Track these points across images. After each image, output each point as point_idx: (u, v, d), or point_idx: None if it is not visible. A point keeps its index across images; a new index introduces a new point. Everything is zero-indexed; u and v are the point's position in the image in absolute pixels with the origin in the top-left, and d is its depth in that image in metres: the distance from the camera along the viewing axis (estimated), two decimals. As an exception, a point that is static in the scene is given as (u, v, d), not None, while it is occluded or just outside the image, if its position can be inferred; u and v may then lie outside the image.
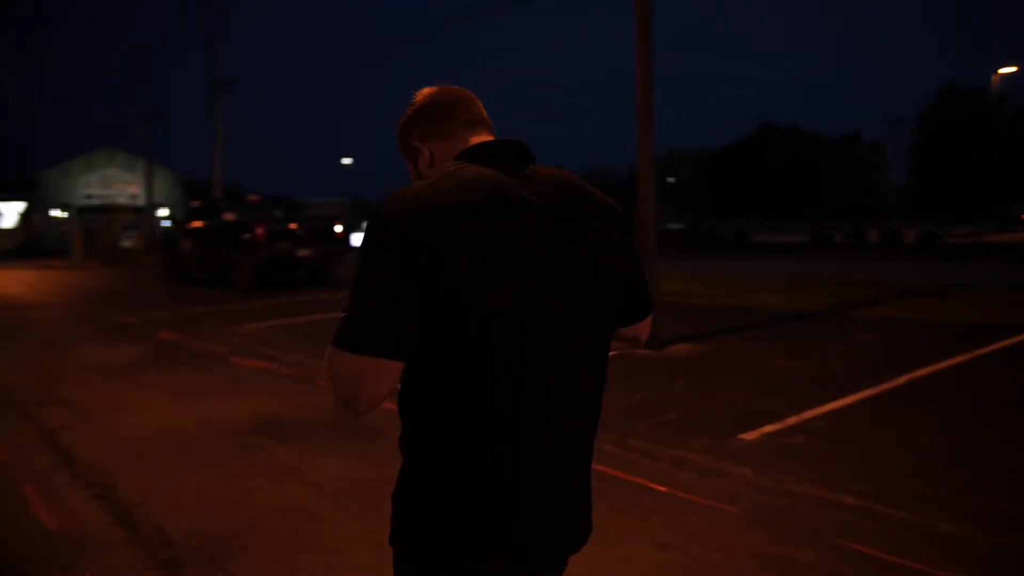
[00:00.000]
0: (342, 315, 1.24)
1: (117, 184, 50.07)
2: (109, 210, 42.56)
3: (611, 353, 1.63)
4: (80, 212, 47.12)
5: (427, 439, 1.30)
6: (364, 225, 1.30)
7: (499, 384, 1.25)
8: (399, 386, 1.31)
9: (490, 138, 1.48)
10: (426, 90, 1.55)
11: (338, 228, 17.46)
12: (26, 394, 7.00)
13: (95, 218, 44.14)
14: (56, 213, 47.28)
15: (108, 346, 9.54)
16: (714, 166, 60.67)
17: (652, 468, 4.60)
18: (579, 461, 1.41)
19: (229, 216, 17.31)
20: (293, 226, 16.56)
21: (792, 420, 5.55)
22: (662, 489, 4.26)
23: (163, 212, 42.62)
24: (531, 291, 1.26)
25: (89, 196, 49.17)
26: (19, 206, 45.89)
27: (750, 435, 5.21)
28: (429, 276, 1.19)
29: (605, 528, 3.68)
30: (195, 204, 20.71)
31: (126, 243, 35.16)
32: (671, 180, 60.90)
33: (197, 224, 18.14)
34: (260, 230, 15.78)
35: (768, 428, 5.36)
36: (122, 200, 47.54)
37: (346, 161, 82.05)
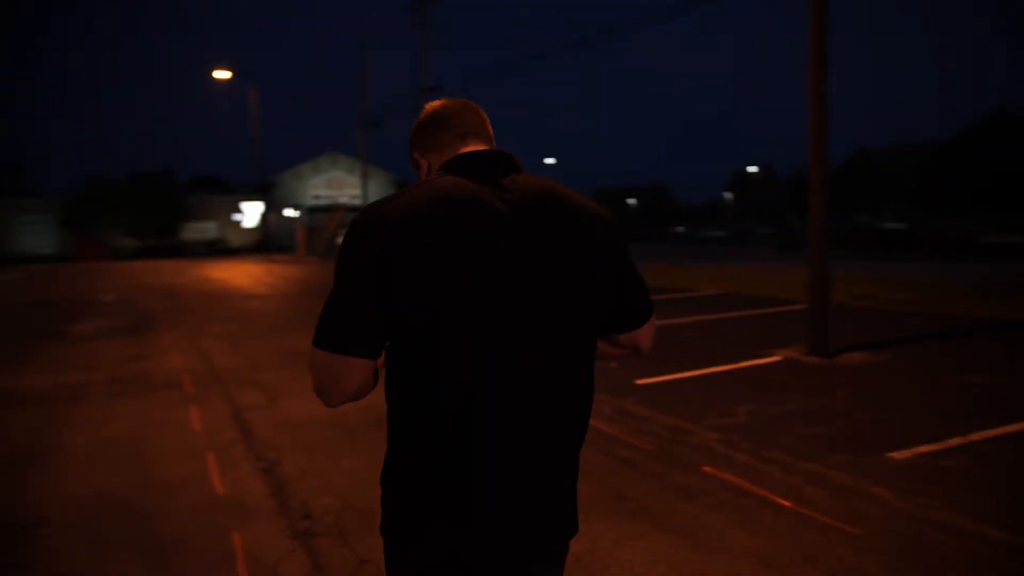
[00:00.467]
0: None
1: (341, 185, 54.68)
2: (332, 209, 46.50)
3: (612, 363, 1.72)
4: (309, 212, 51.96)
5: (395, 428, 1.44)
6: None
7: (453, 382, 1.34)
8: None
9: (473, 148, 1.55)
10: (431, 104, 1.65)
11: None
12: (232, 376, 7.98)
13: (320, 217, 48.51)
14: (289, 213, 52.36)
15: (308, 335, 10.57)
16: (941, 159, 54.94)
17: (782, 482, 4.45)
18: (549, 457, 1.44)
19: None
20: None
21: (955, 441, 5.11)
22: (786, 504, 4.12)
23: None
24: (487, 295, 1.34)
25: (316, 196, 54.08)
26: (259, 206, 51.28)
27: (901, 454, 4.87)
28: (386, 282, 1.32)
29: (712, 539, 3.67)
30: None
31: (340, 239, 38.26)
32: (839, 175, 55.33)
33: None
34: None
35: (924, 448, 4.98)
36: (344, 200, 51.71)
37: (549, 161, 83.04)
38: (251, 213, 51.20)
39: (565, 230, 1.41)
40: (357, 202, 49.33)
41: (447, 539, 1.37)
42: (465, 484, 1.37)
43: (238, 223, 50.62)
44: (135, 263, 36.16)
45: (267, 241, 48.75)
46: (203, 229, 49.40)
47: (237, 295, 17.24)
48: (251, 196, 50.95)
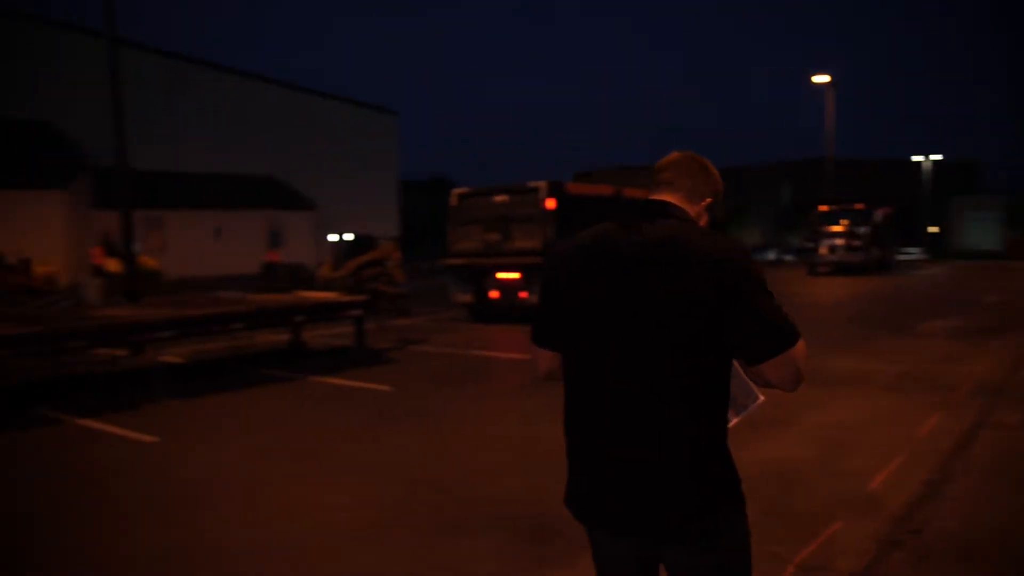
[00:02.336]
0: None
1: None
2: None
3: (758, 400, 1.81)
4: None
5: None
6: None
7: (577, 379, 1.87)
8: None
9: (657, 196, 1.93)
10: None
11: None
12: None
13: None
14: None
15: None
16: None
17: None
18: (654, 450, 1.73)
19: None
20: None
21: None
22: None
23: None
24: (599, 315, 1.79)
25: None
26: None
27: None
28: (549, 298, 1.94)
29: None
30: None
31: None
32: None
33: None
34: None
35: None
36: None
37: None
38: None
39: (671, 270, 1.72)
40: None
41: (574, 486, 1.90)
42: (576, 449, 1.89)
43: None
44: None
45: None
46: None
47: None
48: None
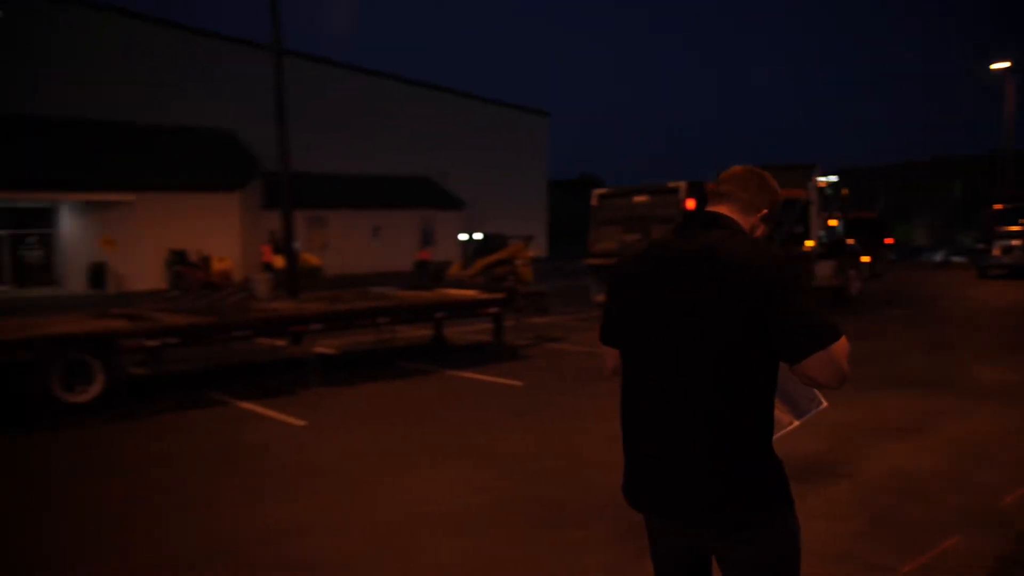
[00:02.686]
0: None
1: None
2: None
3: (821, 405, 1.87)
4: None
5: None
6: None
7: (628, 375, 2.03)
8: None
9: (712, 208, 2.06)
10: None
11: None
12: None
13: None
14: None
15: None
16: None
17: None
18: (685, 441, 1.85)
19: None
20: None
21: None
22: None
23: None
24: (645, 316, 1.96)
25: None
26: None
27: None
28: (611, 300, 2.11)
29: None
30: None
31: None
32: None
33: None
34: None
35: None
36: None
37: None
38: None
39: (710, 277, 1.86)
40: None
41: (626, 474, 2.04)
42: (627, 439, 2.04)
43: None
44: None
45: None
46: None
47: None
48: None
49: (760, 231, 2.07)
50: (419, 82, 39.54)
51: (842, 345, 1.78)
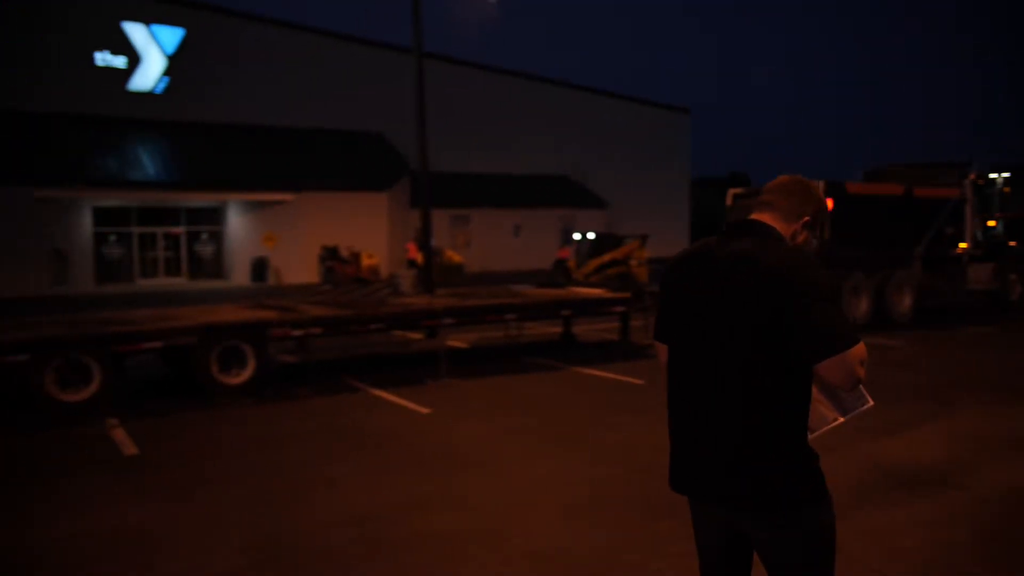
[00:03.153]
0: None
1: None
2: None
3: (867, 404, 1.93)
4: None
5: None
6: None
7: (674, 369, 2.16)
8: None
9: (755, 216, 2.16)
10: None
11: None
12: None
13: None
14: None
15: None
16: None
17: None
18: (728, 434, 1.96)
19: None
20: None
21: None
22: None
23: None
24: (687, 316, 2.10)
25: None
26: None
27: None
28: (661, 299, 2.26)
29: None
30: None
31: None
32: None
33: None
34: None
35: None
36: None
37: None
38: None
39: (740, 279, 1.99)
40: None
41: (671, 461, 2.19)
42: (671, 428, 2.19)
43: None
44: None
45: None
46: None
47: None
48: None
49: (802, 237, 2.15)
50: (560, 81, 39.85)
51: (858, 351, 1.86)
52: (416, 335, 11.64)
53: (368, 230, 28.29)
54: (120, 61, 27.18)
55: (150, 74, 27.81)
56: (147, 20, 27.53)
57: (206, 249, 28.77)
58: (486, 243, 32.84)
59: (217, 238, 28.97)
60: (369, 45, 33.55)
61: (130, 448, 6.30)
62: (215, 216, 28.76)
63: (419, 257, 24.79)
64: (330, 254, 26.22)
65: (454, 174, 31.14)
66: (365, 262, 26.13)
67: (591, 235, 22.14)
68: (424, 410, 7.43)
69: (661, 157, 41.37)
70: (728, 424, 1.97)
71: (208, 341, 7.98)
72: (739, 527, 2.04)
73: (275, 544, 4.31)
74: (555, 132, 37.33)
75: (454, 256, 27.26)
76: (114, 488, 5.33)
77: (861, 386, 1.96)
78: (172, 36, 27.98)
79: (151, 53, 27.70)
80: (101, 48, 26.85)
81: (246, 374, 8.21)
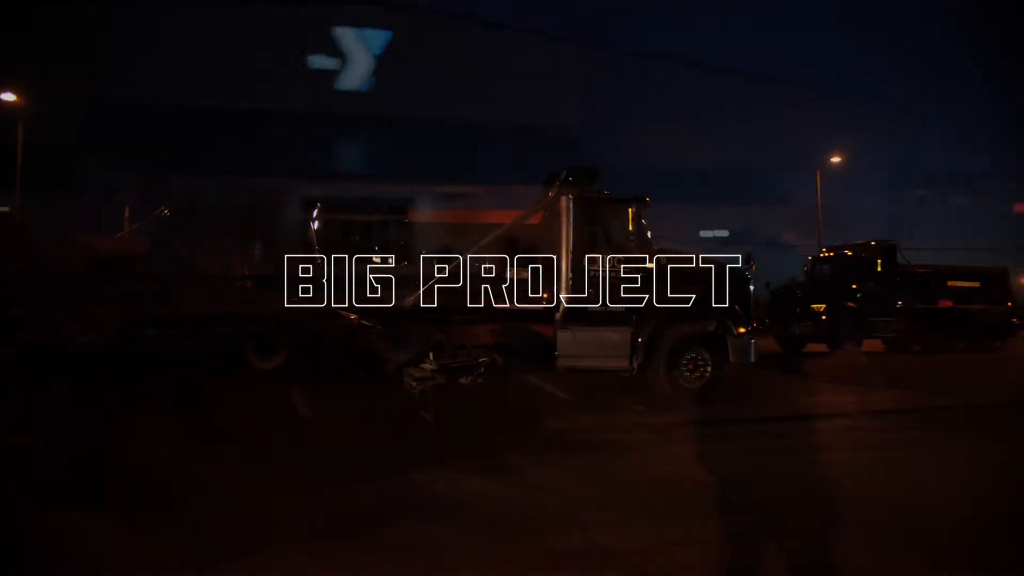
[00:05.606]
0: None
1: None
2: None
3: None
4: None
5: None
6: None
7: None
8: None
9: None
10: None
11: None
12: None
13: None
14: None
15: None
16: None
17: None
18: None
19: None
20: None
21: None
22: None
23: None
24: None
25: None
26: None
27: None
28: None
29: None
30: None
31: None
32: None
33: None
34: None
35: None
36: None
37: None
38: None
39: None
40: None
41: None
42: None
43: None
44: None
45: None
46: None
47: None
48: None
49: None
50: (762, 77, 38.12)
51: None
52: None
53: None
54: (332, 63, 29.37)
55: (357, 74, 29.82)
56: (357, 24, 29.53)
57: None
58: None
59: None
60: (562, 41, 33.85)
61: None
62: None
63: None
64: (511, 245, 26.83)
65: (649, 170, 30.79)
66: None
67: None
68: (560, 395, 7.67)
69: None
70: None
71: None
72: None
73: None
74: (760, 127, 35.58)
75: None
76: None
77: None
78: (379, 39, 29.83)
79: (359, 55, 29.70)
80: (314, 52, 29.15)
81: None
